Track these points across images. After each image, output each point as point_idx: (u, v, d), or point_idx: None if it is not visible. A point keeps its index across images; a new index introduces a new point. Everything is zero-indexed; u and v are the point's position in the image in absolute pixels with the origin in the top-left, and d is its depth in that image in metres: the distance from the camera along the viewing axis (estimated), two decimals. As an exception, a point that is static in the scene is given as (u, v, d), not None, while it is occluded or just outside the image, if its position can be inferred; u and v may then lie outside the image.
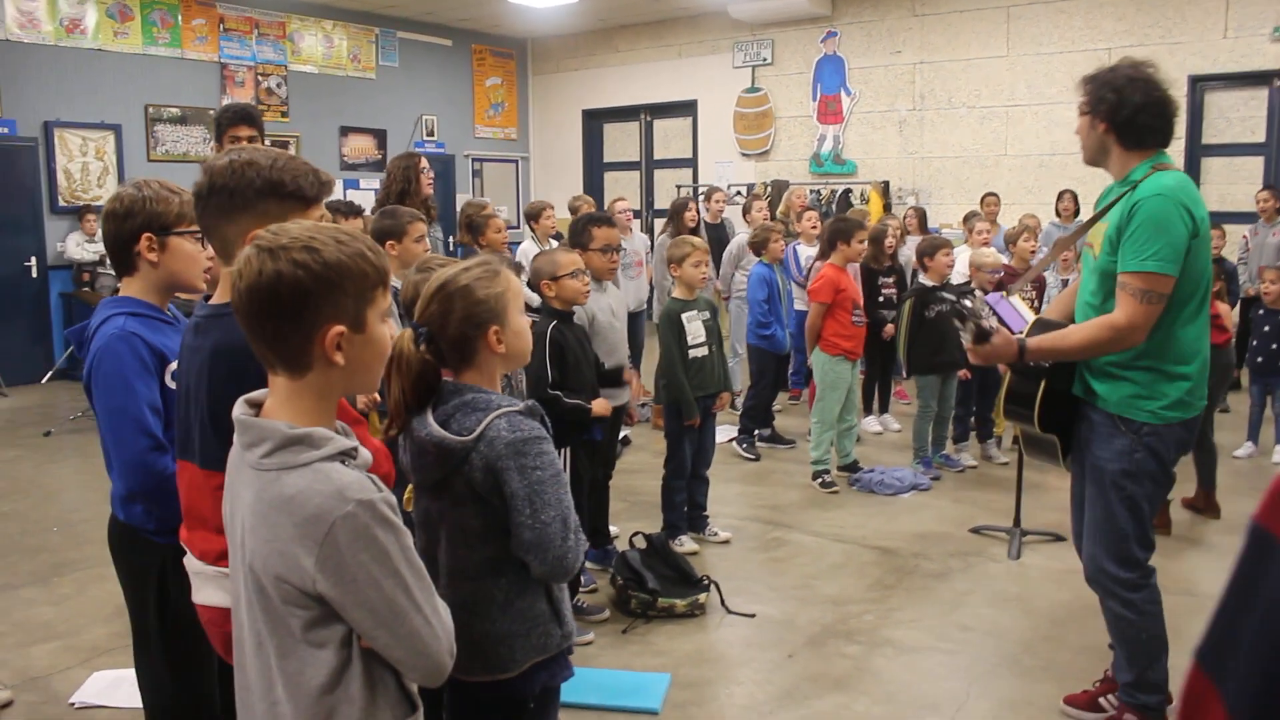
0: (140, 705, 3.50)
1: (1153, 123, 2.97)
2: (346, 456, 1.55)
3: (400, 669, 1.60)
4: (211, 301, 2.07)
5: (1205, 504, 5.58)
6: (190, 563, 2.10)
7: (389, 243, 4.02)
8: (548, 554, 2.04)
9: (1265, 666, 0.82)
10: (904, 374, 6.45)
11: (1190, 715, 0.89)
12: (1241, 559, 0.87)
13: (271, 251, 1.49)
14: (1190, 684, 0.90)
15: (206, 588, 2.06)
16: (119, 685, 3.73)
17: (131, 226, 2.33)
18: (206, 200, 1.98)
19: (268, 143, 4.49)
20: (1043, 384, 3.12)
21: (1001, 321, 5.56)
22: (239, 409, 1.60)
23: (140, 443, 2.26)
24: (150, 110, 10.78)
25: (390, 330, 1.63)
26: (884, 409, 7.82)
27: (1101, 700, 3.40)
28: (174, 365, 2.30)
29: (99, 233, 9.95)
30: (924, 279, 6.41)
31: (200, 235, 2.37)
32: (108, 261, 9.82)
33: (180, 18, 10.96)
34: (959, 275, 6.69)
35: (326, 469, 1.50)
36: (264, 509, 1.51)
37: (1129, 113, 2.95)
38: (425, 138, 13.56)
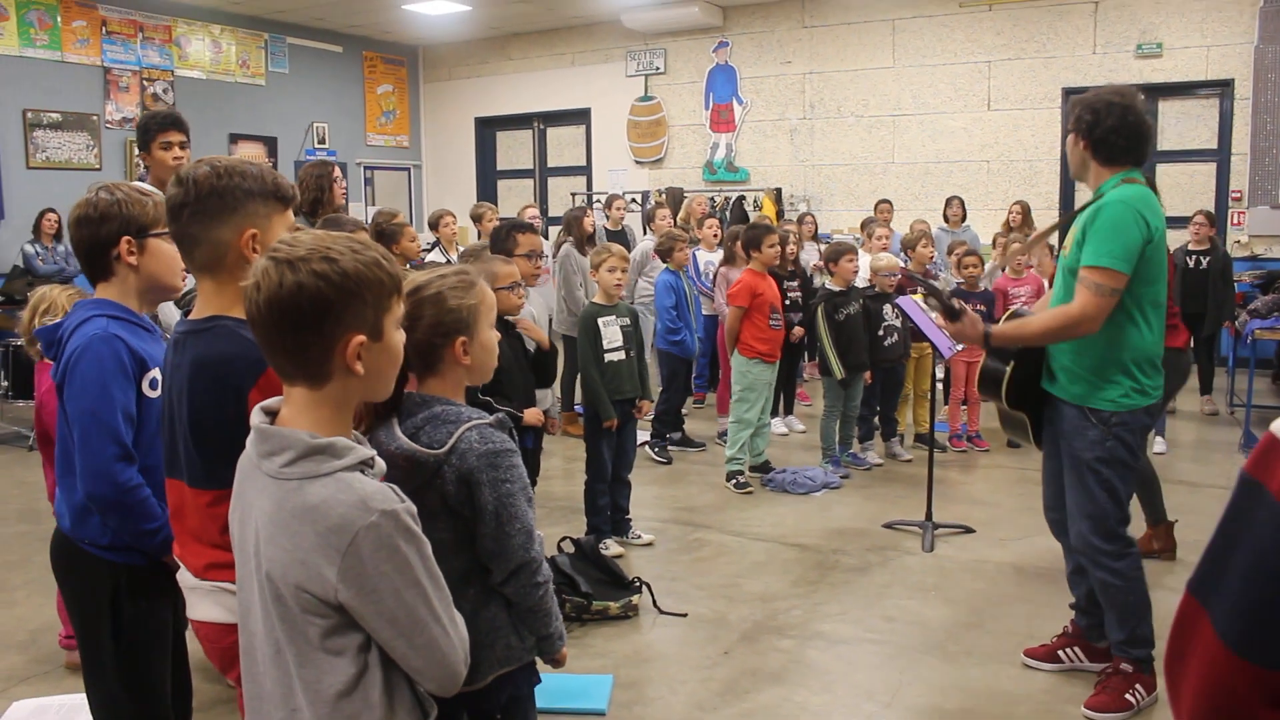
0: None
1: (1123, 143, 3.29)
2: (366, 465, 1.56)
3: (416, 678, 1.61)
4: (190, 317, 2.05)
5: (1163, 543, 4.98)
6: (184, 578, 2.07)
7: None
8: (509, 563, 2.07)
9: (1251, 591, 0.97)
10: (838, 373, 6.53)
11: (1180, 634, 1.04)
12: (1231, 504, 1.02)
13: (290, 263, 1.49)
14: (1182, 609, 1.05)
15: (203, 604, 2.03)
16: (43, 713, 3.59)
17: (109, 230, 2.29)
18: (193, 206, 1.96)
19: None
20: (1010, 366, 3.45)
21: (908, 318, 5.81)
22: (256, 417, 1.59)
23: (108, 450, 2.21)
24: (29, 115, 10.34)
25: (402, 337, 1.65)
26: (789, 410, 8.01)
27: (1060, 653, 3.75)
28: (153, 373, 2.26)
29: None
30: (830, 284, 6.61)
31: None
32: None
33: (59, 19, 10.53)
34: (860, 280, 6.91)
35: (349, 479, 1.51)
36: (284, 518, 1.50)
37: (1101, 133, 3.28)
38: (316, 145, 13.31)
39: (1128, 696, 3.41)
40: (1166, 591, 4.53)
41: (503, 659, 2.14)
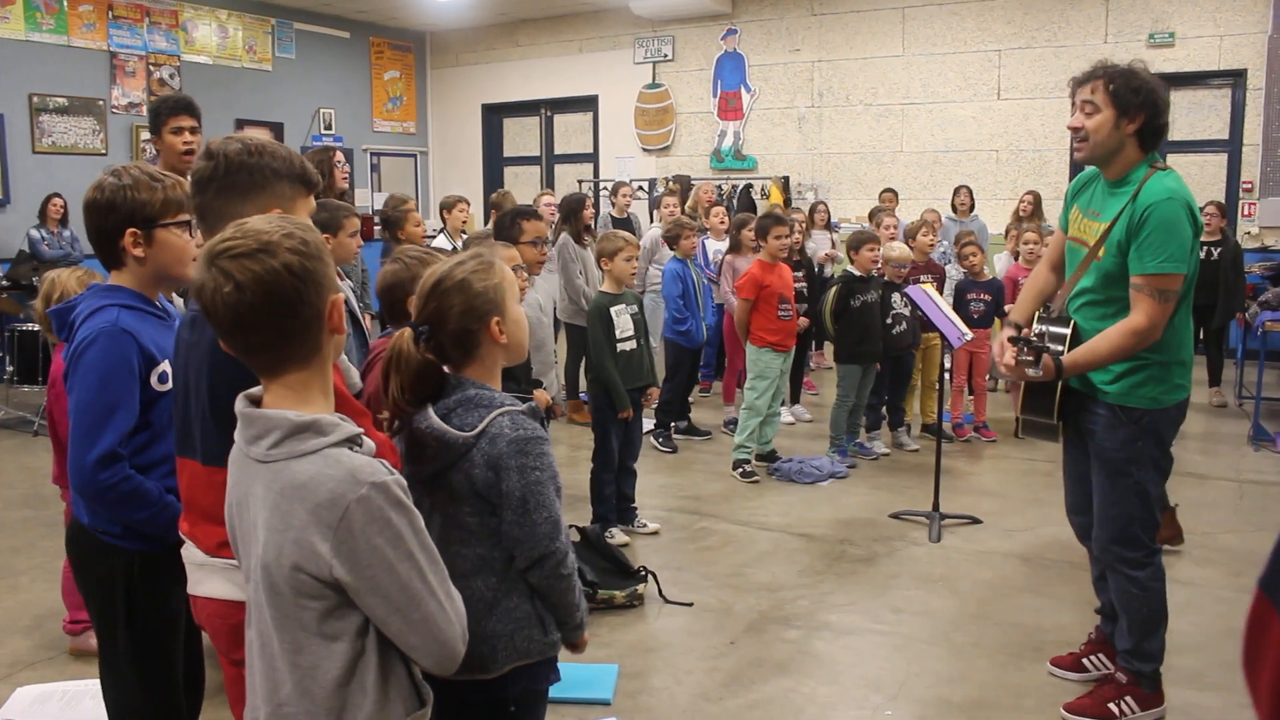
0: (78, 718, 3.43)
1: (1166, 125, 3.13)
2: (353, 443, 1.56)
3: (413, 655, 1.60)
4: None
5: (1170, 529, 4.83)
6: (192, 554, 2.07)
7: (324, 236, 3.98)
8: (534, 552, 2.04)
9: None
10: (826, 344, 6.53)
11: (1254, 635, 1.00)
12: None
13: (250, 255, 1.53)
14: (1254, 608, 1.00)
15: (210, 580, 2.03)
16: (46, 700, 3.58)
17: (115, 220, 2.25)
18: (221, 181, 1.98)
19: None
20: (1060, 385, 3.25)
21: (917, 307, 5.77)
22: (240, 404, 1.60)
23: (92, 449, 2.19)
24: (35, 100, 10.29)
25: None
26: (795, 399, 7.98)
27: (1085, 661, 3.62)
28: (163, 366, 2.23)
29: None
30: (852, 269, 6.57)
31: (188, 224, 2.32)
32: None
33: (66, 3, 10.47)
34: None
35: (336, 454, 1.51)
36: (275, 498, 1.51)
37: (1152, 118, 3.08)
38: (323, 131, 13.28)
39: (1111, 705, 3.31)
40: (1176, 585, 4.50)
41: (523, 651, 2.10)
